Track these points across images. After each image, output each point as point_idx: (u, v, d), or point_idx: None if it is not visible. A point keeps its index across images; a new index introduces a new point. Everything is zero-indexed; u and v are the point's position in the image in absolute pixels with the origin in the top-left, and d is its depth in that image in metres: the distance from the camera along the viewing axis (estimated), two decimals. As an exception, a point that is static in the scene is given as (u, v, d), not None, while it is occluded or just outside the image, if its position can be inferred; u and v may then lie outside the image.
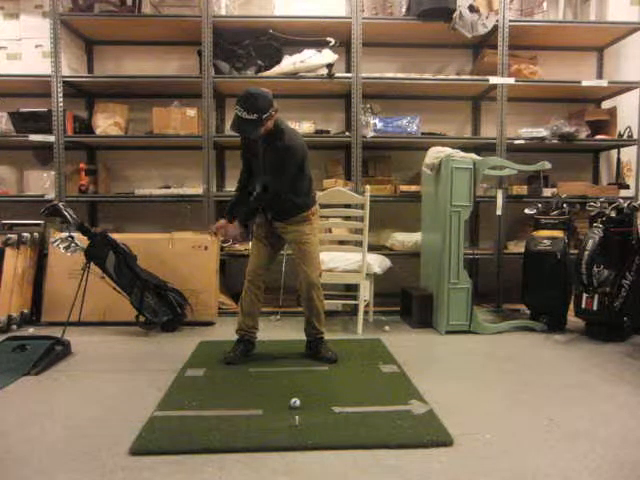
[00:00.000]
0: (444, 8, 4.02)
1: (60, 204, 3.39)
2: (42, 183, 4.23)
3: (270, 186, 2.75)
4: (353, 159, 4.15)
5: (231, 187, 4.53)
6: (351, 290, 4.18)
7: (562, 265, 3.55)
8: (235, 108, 2.60)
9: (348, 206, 3.88)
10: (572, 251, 3.69)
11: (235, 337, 2.97)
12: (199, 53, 4.15)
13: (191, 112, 4.15)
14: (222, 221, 2.96)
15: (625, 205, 3.38)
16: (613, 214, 3.38)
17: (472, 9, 4.07)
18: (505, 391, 2.51)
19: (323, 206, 3.54)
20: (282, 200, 2.81)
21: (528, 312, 3.81)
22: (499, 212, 3.93)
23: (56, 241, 3.39)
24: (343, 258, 3.65)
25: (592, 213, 3.55)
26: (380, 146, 4.44)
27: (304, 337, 3.04)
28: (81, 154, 4.54)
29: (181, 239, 3.88)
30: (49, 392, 2.48)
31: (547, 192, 4.22)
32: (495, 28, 4.13)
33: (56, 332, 3.08)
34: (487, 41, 4.35)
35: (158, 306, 3.54)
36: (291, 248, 2.97)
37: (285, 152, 2.69)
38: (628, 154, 4.47)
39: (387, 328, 3.67)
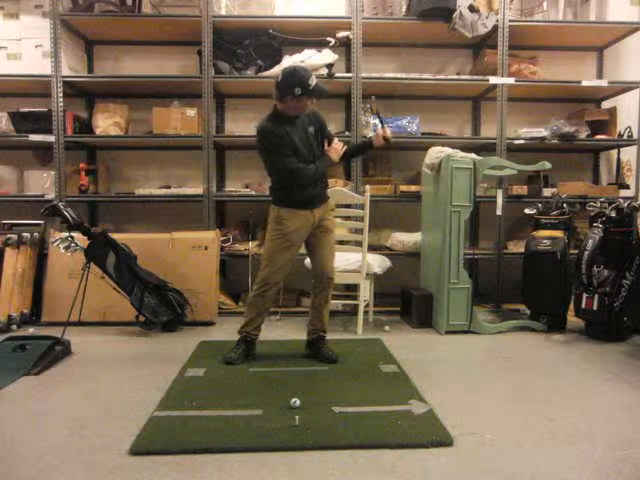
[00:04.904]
0: (444, 8, 4.02)
1: (60, 204, 3.39)
2: (42, 183, 4.22)
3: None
4: (353, 159, 4.15)
5: (231, 187, 4.54)
6: (351, 290, 4.18)
7: (562, 265, 3.55)
8: (311, 79, 2.63)
9: (348, 206, 3.88)
10: (572, 251, 3.69)
11: (236, 337, 2.97)
12: (199, 53, 4.15)
13: (191, 112, 4.15)
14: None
15: (625, 205, 3.37)
16: (613, 214, 3.38)
17: (472, 9, 4.07)
18: (505, 391, 2.51)
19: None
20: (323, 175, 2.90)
21: (528, 312, 3.80)
22: (499, 212, 3.93)
23: (56, 241, 3.39)
24: (343, 258, 3.64)
25: (592, 213, 3.55)
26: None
27: (304, 337, 3.04)
28: (81, 154, 4.54)
29: (181, 239, 3.87)
30: (49, 392, 2.48)
31: (547, 192, 4.22)
32: (495, 28, 4.13)
33: (56, 332, 3.08)
34: (487, 41, 4.35)
35: (158, 306, 3.53)
36: (319, 237, 2.89)
37: (321, 118, 2.87)
38: (628, 154, 4.47)
39: (387, 328, 3.67)
